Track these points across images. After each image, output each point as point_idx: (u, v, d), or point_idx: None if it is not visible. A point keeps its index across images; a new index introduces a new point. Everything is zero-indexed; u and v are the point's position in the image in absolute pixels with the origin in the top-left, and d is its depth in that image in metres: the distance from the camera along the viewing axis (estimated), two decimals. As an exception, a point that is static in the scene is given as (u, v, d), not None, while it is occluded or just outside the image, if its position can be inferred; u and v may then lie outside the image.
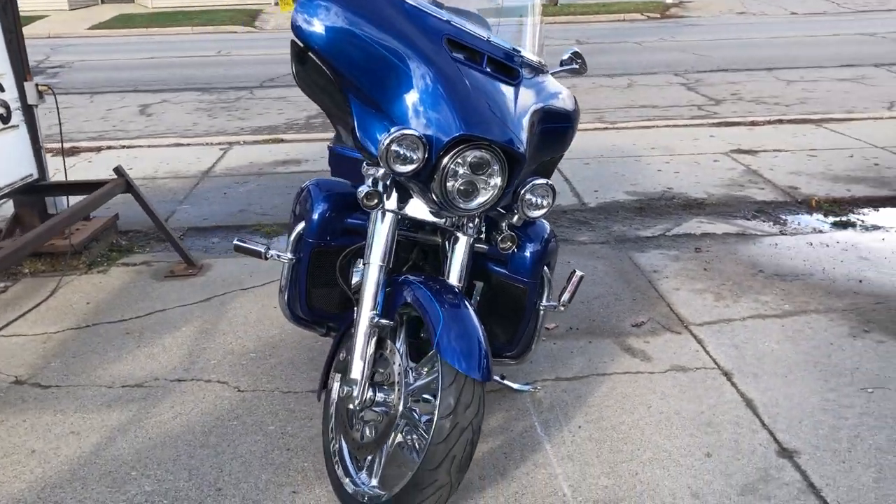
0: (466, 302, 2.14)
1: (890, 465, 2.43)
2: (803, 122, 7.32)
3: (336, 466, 2.29)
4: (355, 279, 2.32)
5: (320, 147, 6.63)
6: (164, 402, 2.87)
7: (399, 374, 2.12)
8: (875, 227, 4.63)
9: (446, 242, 2.37)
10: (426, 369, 2.15)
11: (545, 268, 2.45)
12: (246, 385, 2.98)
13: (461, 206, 2.14)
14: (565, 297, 2.47)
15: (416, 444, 2.11)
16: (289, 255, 2.48)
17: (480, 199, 2.14)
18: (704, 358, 3.11)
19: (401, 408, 2.10)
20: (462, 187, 2.12)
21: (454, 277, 2.31)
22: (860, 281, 3.85)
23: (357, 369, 2.16)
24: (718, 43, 13.68)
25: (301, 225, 2.46)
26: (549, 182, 2.27)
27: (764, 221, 4.78)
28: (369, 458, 2.24)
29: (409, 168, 2.07)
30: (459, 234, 2.31)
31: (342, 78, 2.17)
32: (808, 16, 18.22)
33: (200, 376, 3.04)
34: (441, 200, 2.12)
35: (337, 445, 2.33)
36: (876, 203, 5.08)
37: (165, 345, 3.30)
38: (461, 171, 2.10)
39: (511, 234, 2.33)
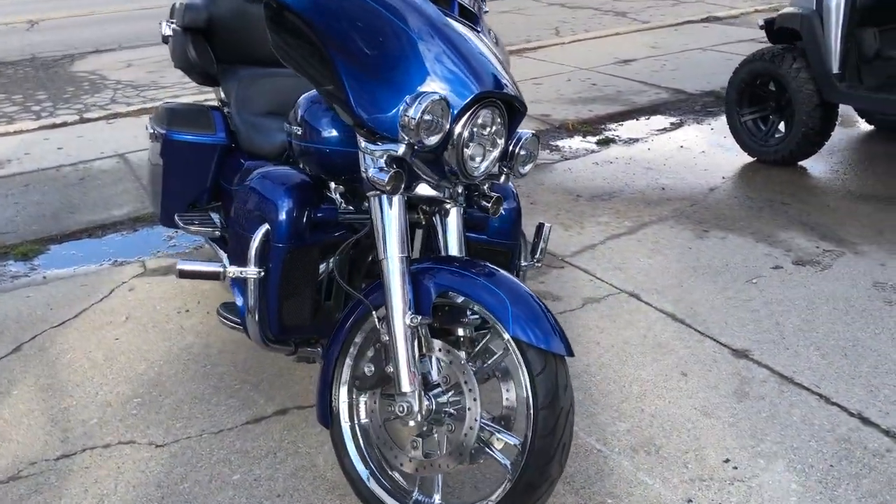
0: (508, 274, 1.92)
1: (821, 342, 2.73)
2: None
3: (387, 497, 1.96)
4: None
5: (18, 142, 5.52)
6: (69, 488, 2.22)
7: (463, 372, 1.85)
8: (633, 140, 5.09)
9: (433, 218, 2.10)
10: (479, 361, 1.91)
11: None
12: (161, 438, 2.41)
13: (475, 172, 1.91)
14: (538, 253, 2.36)
15: (495, 444, 1.88)
16: (254, 269, 2.02)
17: (487, 162, 1.93)
18: (604, 285, 3.20)
19: (478, 408, 1.84)
20: (475, 152, 1.88)
21: (455, 251, 2.06)
22: (663, 189, 4.23)
23: (407, 380, 1.84)
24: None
25: (262, 230, 2.01)
26: (535, 133, 2.12)
27: (542, 150, 5.01)
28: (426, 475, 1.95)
29: (436, 138, 1.78)
30: (449, 206, 2.06)
31: (328, 41, 1.78)
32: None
33: (92, 444, 2.40)
34: (458, 170, 1.87)
35: (377, 472, 1.99)
36: (617, 118, 5.58)
37: (7, 419, 2.54)
38: (477, 133, 1.86)
39: (499, 195, 2.14)
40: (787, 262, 3.31)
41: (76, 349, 2.92)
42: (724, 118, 4.78)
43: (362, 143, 1.86)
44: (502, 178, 2.10)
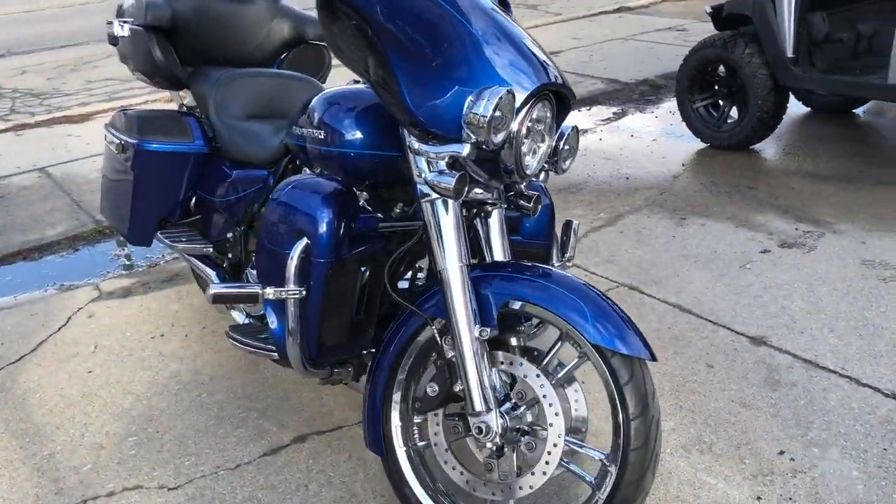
0: (572, 276, 1.80)
1: (832, 323, 2.74)
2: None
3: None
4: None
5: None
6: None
7: (541, 385, 1.72)
8: (583, 131, 5.05)
9: (475, 221, 1.96)
10: (550, 371, 1.78)
11: None
12: (172, 479, 2.17)
13: (528, 170, 1.78)
14: (569, 251, 2.25)
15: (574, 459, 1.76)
16: (296, 288, 1.82)
17: (539, 158, 1.80)
18: (601, 280, 3.12)
19: (561, 423, 1.71)
20: (529, 148, 1.76)
21: (500, 255, 1.93)
22: (627, 178, 4.20)
23: (480, 399, 1.70)
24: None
25: (300, 245, 1.81)
26: (576, 126, 2.00)
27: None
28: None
29: (503, 136, 1.64)
30: (490, 207, 1.92)
31: (381, 33, 1.62)
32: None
33: (93, 493, 2.13)
34: (515, 168, 1.74)
35: (442, 499, 1.84)
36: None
37: (-18, 473, 2.24)
38: (532, 128, 1.73)
39: (538, 193, 2.02)
40: (772, 245, 3.33)
41: (45, 387, 2.62)
42: (665, 105, 4.82)
43: (415, 145, 1.70)
44: (542, 176, 1.98)
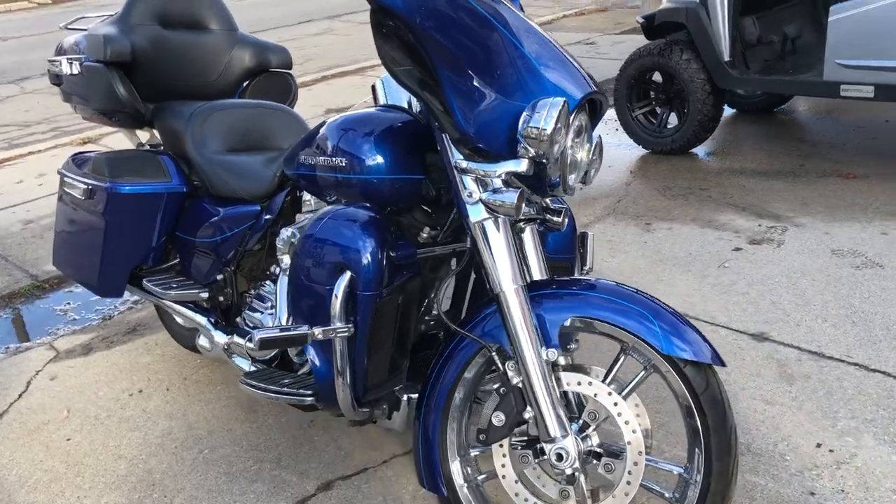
0: (627, 286, 1.75)
1: (824, 313, 2.80)
2: (348, 75, 7.54)
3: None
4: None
5: None
6: None
7: (615, 403, 1.66)
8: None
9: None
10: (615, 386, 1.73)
11: None
12: (196, 548, 1.99)
13: (571, 183, 1.73)
14: (588, 263, 2.21)
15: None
16: (344, 326, 1.69)
17: (579, 169, 1.76)
18: (588, 291, 3.11)
19: (640, 440, 1.65)
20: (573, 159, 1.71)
21: (538, 272, 1.86)
22: (580, 188, 4.22)
23: (555, 424, 1.62)
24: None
25: (345, 280, 1.69)
26: (600, 135, 1.97)
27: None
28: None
29: (558, 148, 1.59)
30: (523, 224, 1.86)
31: (431, 48, 1.54)
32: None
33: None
34: (562, 181, 1.68)
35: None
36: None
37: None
38: (578, 140, 1.69)
39: (565, 206, 1.97)
40: (742, 242, 3.39)
41: (20, 461, 2.37)
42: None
43: (463, 164, 1.62)
44: (577, 188, 1.94)
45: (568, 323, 1.65)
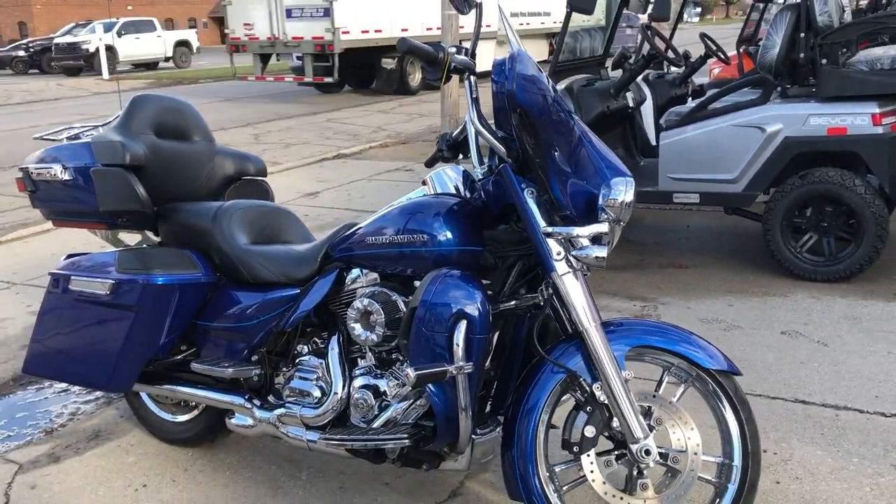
0: (655, 320, 2.29)
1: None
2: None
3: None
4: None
5: None
6: None
7: (675, 409, 2.14)
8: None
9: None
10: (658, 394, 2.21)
11: None
12: None
13: (614, 242, 2.26)
14: None
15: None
16: (468, 363, 2.04)
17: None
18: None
19: (697, 436, 2.13)
20: None
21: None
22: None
23: (639, 428, 2.07)
24: None
25: (463, 324, 2.05)
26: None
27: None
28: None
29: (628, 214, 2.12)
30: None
31: (542, 137, 2.03)
32: None
33: None
34: (611, 241, 2.21)
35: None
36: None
37: None
38: None
39: None
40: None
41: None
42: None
43: (549, 229, 2.09)
44: None
45: (640, 351, 2.12)
